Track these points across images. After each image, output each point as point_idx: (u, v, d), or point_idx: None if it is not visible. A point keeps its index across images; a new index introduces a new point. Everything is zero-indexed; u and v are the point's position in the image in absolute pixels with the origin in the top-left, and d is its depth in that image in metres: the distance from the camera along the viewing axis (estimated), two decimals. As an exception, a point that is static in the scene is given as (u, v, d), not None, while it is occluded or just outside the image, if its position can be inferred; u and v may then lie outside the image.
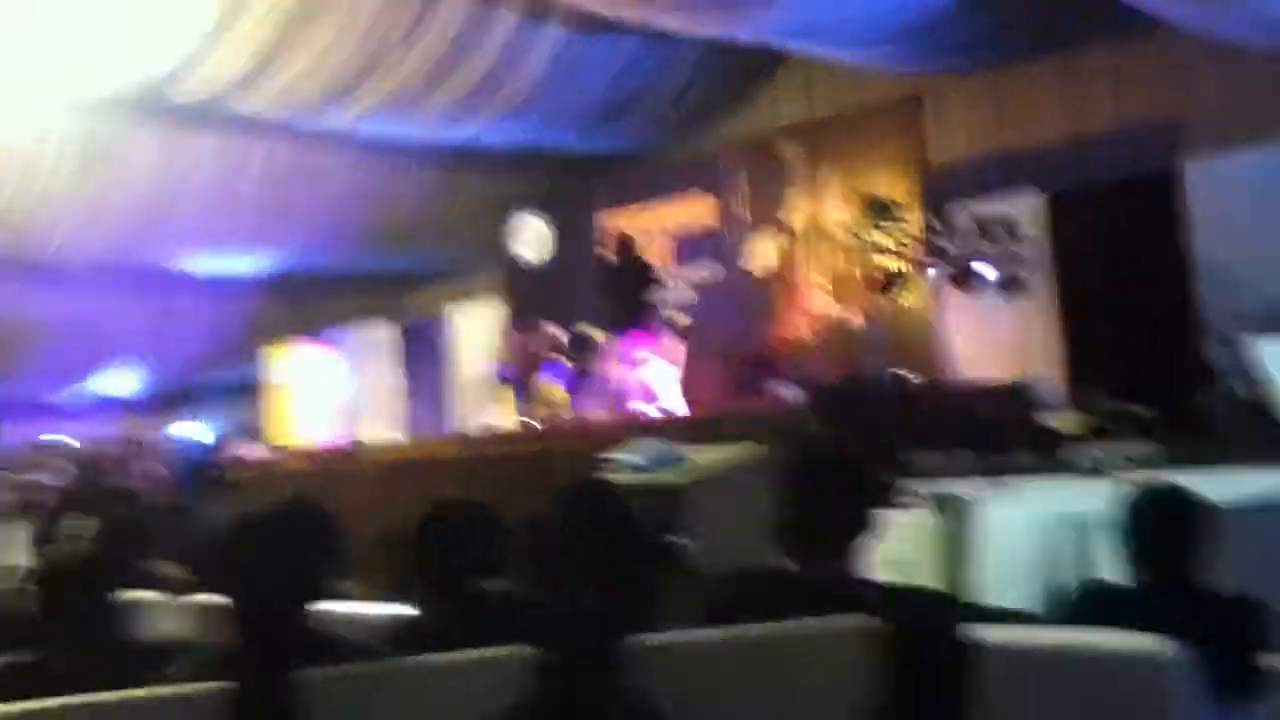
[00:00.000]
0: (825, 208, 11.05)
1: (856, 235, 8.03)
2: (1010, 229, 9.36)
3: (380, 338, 15.08)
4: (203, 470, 12.66)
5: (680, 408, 10.15)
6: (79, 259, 12.76)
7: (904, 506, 5.89)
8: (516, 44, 11.10)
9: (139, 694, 2.19)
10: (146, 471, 13.92)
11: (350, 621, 3.01)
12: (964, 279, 8.89)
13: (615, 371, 9.44)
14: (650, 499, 4.72)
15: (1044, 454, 6.74)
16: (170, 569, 4.49)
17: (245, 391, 16.13)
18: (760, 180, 11.55)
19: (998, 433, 7.63)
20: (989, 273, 9.09)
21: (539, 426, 10.23)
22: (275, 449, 12.52)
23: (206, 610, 3.26)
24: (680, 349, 10.68)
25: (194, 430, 15.27)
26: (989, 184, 11.20)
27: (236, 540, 2.41)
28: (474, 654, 2.26)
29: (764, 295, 11.48)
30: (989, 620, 2.60)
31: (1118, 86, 11.11)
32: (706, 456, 5.24)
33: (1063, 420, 8.62)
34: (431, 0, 10.39)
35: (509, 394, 10.92)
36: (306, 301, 15.56)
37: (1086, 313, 9.89)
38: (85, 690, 2.20)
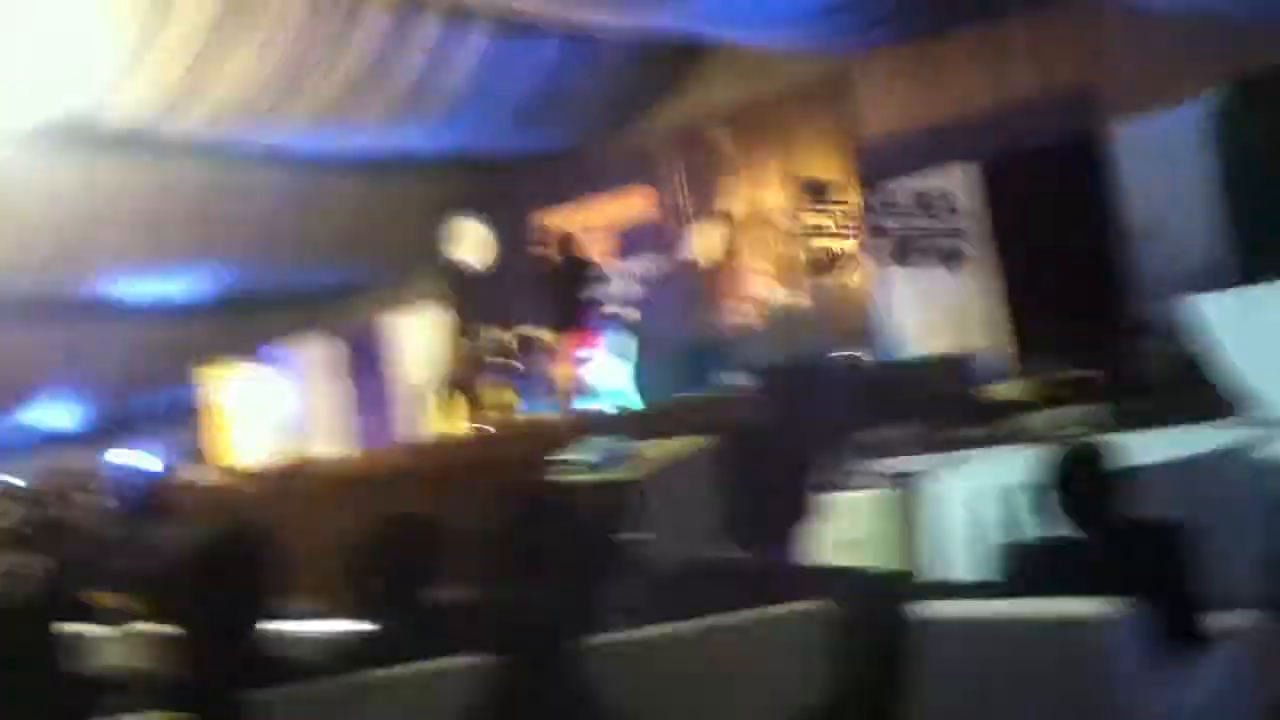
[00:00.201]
0: (762, 192, 11.11)
1: (795, 218, 8.06)
2: (947, 202, 9.45)
3: (320, 352, 14.92)
4: (144, 498, 12.46)
5: (630, 402, 10.16)
6: (3, 291, 12.50)
7: (857, 486, 5.92)
8: (440, 50, 11.02)
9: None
10: (88, 503, 13.66)
11: (302, 640, 2.97)
12: (904, 254, 8.96)
13: (562, 370, 9.41)
14: (602, 496, 4.70)
15: (992, 424, 6.81)
16: (117, 600, 4.40)
17: (185, 415, 15.89)
18: (696, 169, 11.59)
19: (946, 406, 7.71)
20: (925, 246, 9.16)
21: (490, 431, 10.19)
22: (219, 471, 12.35)
23: (155, 640, 3.19)
24: (627, 343, 10.69)
25: (134, 458, 15.01)
26: (922, 158, 11.30)
27: (177, 567, 2.39)
28: (428, 666, 2.23)
29: (707, 284, 11.51)
30: (944, 594, 2.62)
31: (1039, 55, 11.25)
32: (657, 450, 5.23)
33: (1009, 389, 8.73)
34: (353, 12, 10.30)
35: (458, 400, 10.86)
36: (243, 320, 15.34)
37: (1026, 280, 10.01)
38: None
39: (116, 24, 9.34)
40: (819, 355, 7.31)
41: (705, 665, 2.05)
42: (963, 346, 9.91)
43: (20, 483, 13.92)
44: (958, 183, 10.01)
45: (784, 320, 10.81)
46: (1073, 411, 6.11)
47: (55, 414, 15.38)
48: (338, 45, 10.49)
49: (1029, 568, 3.00)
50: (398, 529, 2.84)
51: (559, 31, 11.26)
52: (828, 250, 8.17)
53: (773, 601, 2.04)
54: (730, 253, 11.39)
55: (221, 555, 2.38)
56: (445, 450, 9.74)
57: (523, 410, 10.51)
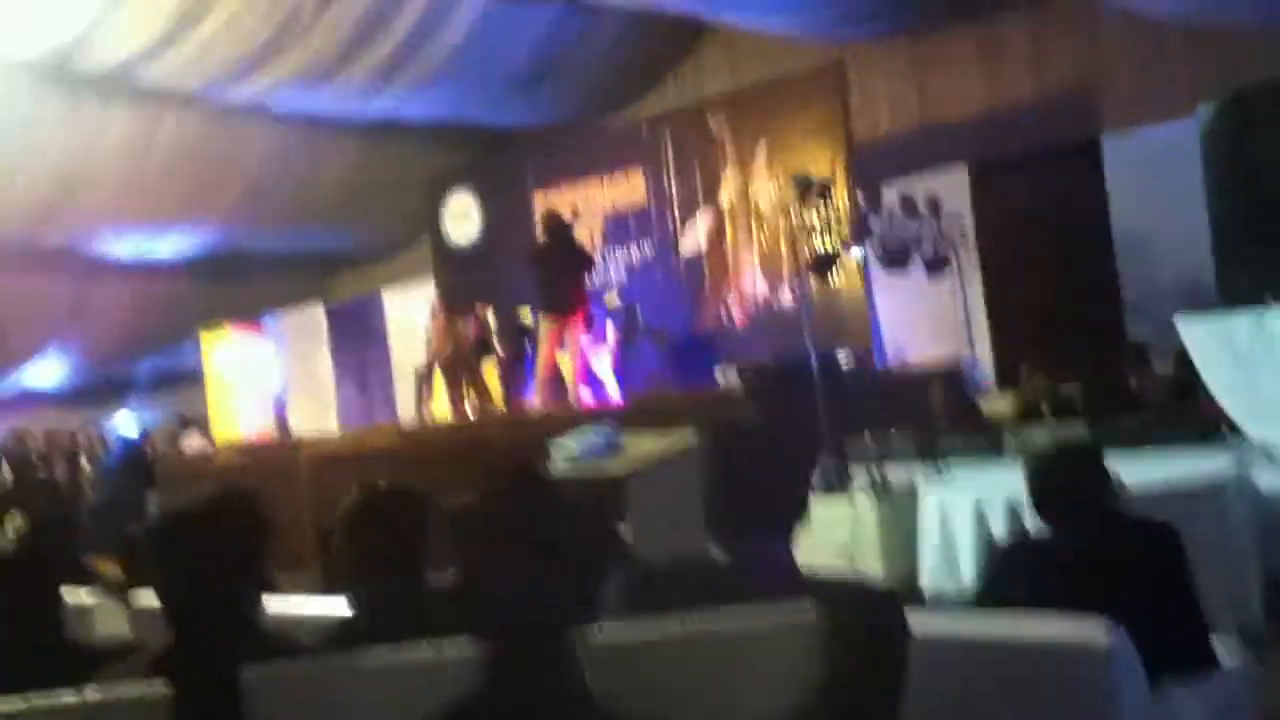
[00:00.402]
0: (753, 184, 11.10)
1: (785, 213, 8.10)
2: (936, 207, 9.49)
3: (309, 321, 14.86)
4: (134, 463, 12.41)
5: (615, 392, 10.18)
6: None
7: (843, 491, 5.97)
8: (435, 11, 10.93)
9: (75, 695, 2.17)
10: (76, 465, 13.64)
11: (292, 618, 2.99)
12: (891, 259, 9.00)
13: (548, 355, 9.42)
14: (586, 488, 4.74)
15: (976, 436, 6.84)
16: (104, 565, 4.42)
17: (175, 379, 15.83)
18: (687, 155, 11.55)
19: (931, 415, 7.75)
20: (915, 251, 9.20)
21: (473, 414, 10.20)
22: (207, 438, 12.32)
23: (145, 608, 3.22)
24: (612, 330, 10.70)
25: (124, 421, 14.95)
26: (913, 159, 11.32)
27: (164, 532, 2.36)
28: (417, 649, 2.26)
29: (696, 275, 11.52)
30: (928, 604, 2.66)
31: (1036, 56, 11.27)
32: (642, 444, 5.26)
33: (995, 402, 8.78)
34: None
35: (442, 381, 10.84)
36: (232, 284, 15.27)
37: (1011, 289, 10.04)
38: (18, 691, 2.17)
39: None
40: (807, 355, 7.34)
41: (686, 662, 2.08)
42: (948, 354, 9.96)
43: (2, 438, 13.87)
44: (947, 186, 10.03)
45: (769, 316, 10.85)
46: (1055, 427, 6.15)
47: (44, 373, 15.30)
48: (329, -1, 10.40)
49: (1016, 569, 3.04)
50: (380, 501, 2.81)
51: (557, 4, 11.20)
52: (816, 248, 8.20)
53: (755, 601, 2.07)
54: (719, 244, 11.39)
55: (209, 520, 2.35)
56: (428, 432, 9.75)
57: (507, 394, 10.52)
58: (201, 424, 13.83)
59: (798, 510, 2.27)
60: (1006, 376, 9.63)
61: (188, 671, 2.20)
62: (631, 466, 4.94)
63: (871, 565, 5.47)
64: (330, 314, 14.84)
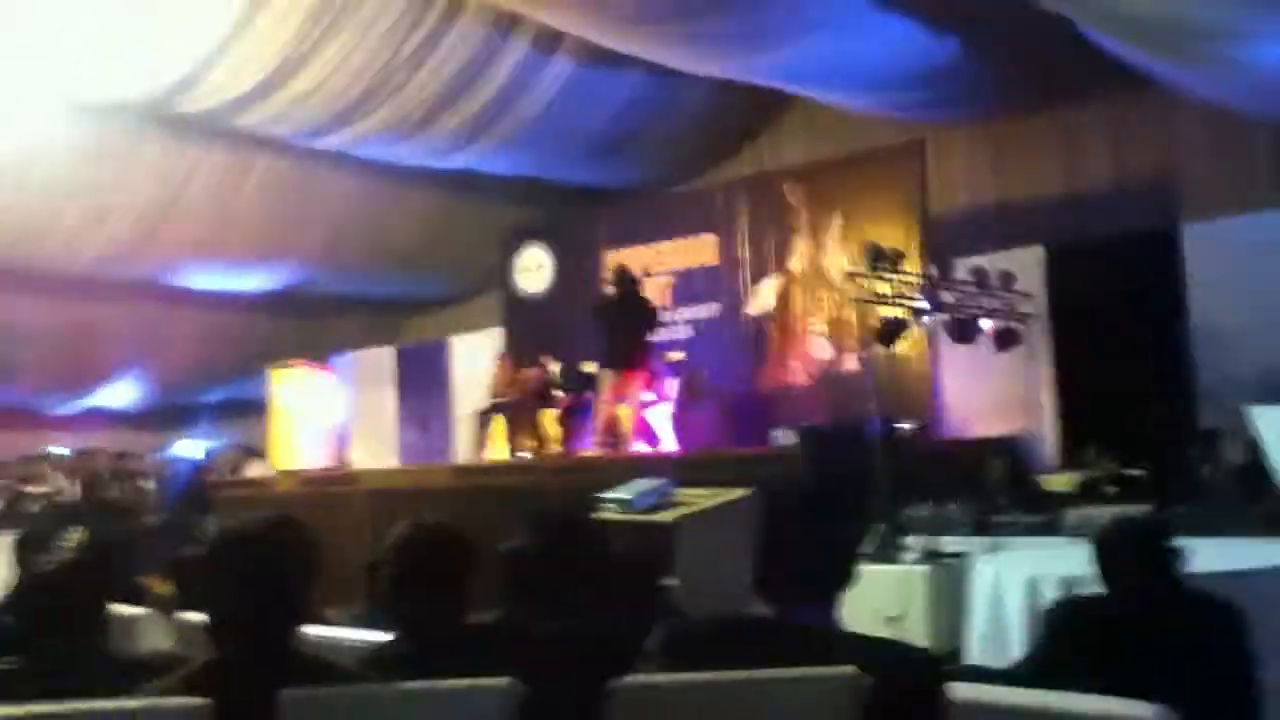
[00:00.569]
0: (824, 251, 11.12)
1: (855, 281, 8.08)
2: (1008, 282, 9.41)
3: (377, 362, 15.08)
4: (194, 487, 12.63)
5: (673, 446, 10.17)
6: (77, 266, 12.79)
7: (897, 560, 5.90)
8: (523, 73, 11.19)
9: (118, 705, 2.20)
10: (138, 486, 13.91)
11: (335, 645, 3.02)
12: (961, 330, 8.92)
13: (609, 408, 9.45)
14: (637, 538, 4.73)
15: (1035, 513, 6.74)
16: (158, 584, 4.50)
17: (242, 409, 16.12)
18: (761, 221, 11.63)
19: (990, 489, 7.65)
20: (986, 325, 9.12)
21: (532, 460, 10.24)
22: (271, 469, 12.49)
23: (193, 627, 3.26)
24: (675, 387, 10.71)
25: (189, 447, 15.24)
26: (988, 236, 11.29)
27: (216, 555, 2.40)
28: (457, 683, 2.27)
29: (760, 337, 11.52)
30: (973, 679, 2.61)
31: (1115, 143, 11.24)
32: (696, 498, 5.24)
33: (1055, 479, 8.63)
34: (442, 25, 10.49)
35: (505, 426, 10.92)
36: (306, 322, 15.60)
37: (1081, 369, 9.92)
38: (63, 699, 2.21)
39: (210, 8, 9.57)
40: (867, 421, 7.29)
41: (727, 716, 2.06)
42: (1013, 430, 9.83)
43: (70, 455, 14.20)
44: (1021, 265, 9.97)
45: (833, 381, 10.79)
46: (1118, 511, 6.02)
47: (116, 395, 15.69)
48: (423, 56, 10.70)
49: (1078, 630, 3.02)
50: (428, 534, 2.82)
51: (641, 69, 11.41)
52: (886, 318, 8.16)
53: (797, 662, 2.05)
54: (786, 308, 11.39)
55: (260, 547, 2.39)
56: (484, 473, 9.81)
57: (566, 443, 10.56)
58: (264, 455, 14.03)
59: (845, 575, 2.26)
60: (1069, 455, 9.48)
61: (227, 689, 2.22)
62: (683, 518, 4.92)
63: (919, 634, 5.38)
64: (399, 356, 15.04)
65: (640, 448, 9.71)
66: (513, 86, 11.29)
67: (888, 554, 5.93)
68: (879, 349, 8.49)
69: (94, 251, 12.64)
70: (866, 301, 8.08)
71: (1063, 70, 10.50)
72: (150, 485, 14.12)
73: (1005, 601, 4.86)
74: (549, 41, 10.95)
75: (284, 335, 15.36)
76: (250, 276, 14.35)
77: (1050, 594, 4.58)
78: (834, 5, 8.83)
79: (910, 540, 6.09)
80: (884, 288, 8.18)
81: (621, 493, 5.27)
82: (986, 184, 12.08)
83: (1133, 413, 9.12)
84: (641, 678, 2.13)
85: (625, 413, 9.52)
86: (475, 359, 13.23)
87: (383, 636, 2.83)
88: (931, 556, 5.86)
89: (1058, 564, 4.91)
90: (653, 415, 10.30)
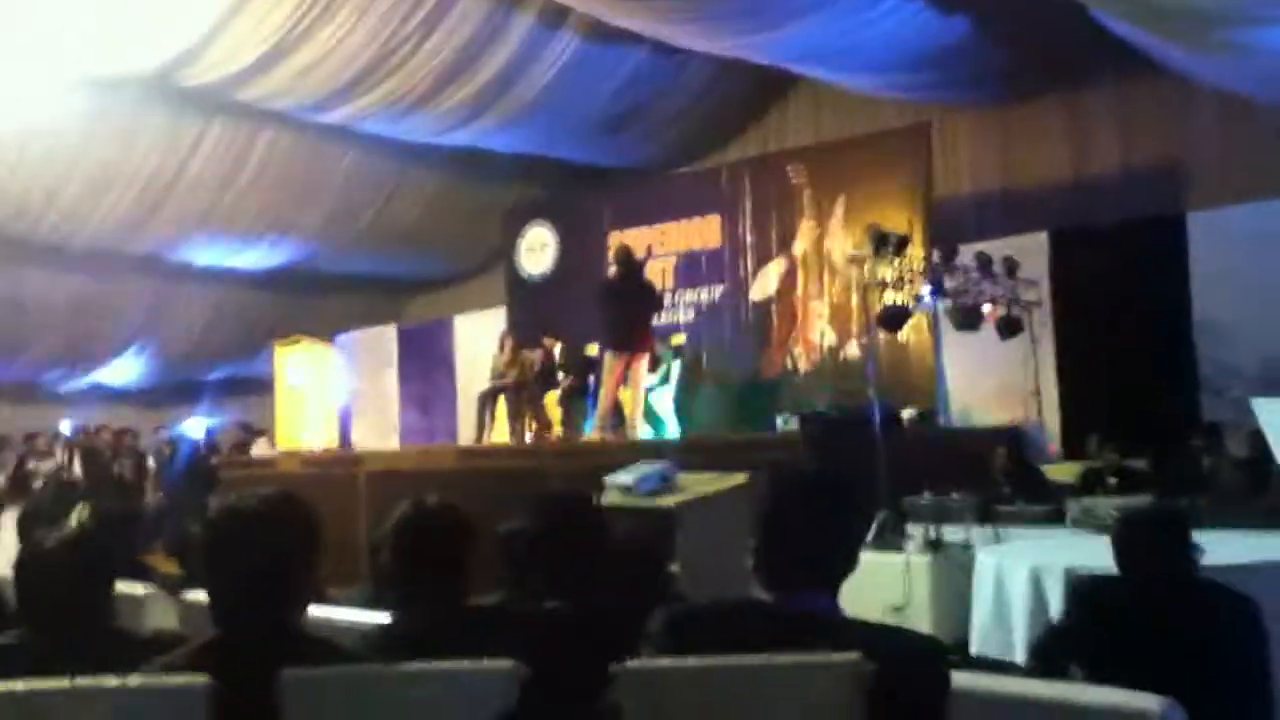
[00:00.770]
0: (829, 234, 11.09)
1: (858, 265, 8.06)
2: (1012, 269, 9.38)
3: (379, 341, 15.09)
4: (198, 465, 12.64)
5: (674, 430, 10.17)
6: (79, 241, 12.77)
7: (897, 549, 5.90)
8: (527, 50, 11.14)
9: (119, 681, 2.20)
10: (142, 463, 13.92)
11: (337, 625, 3.02)
12: (964, 317, 8.90)
13: (612, 391, 9.44)
14: (639, 522, 4.73)
15: (1038, 503, 6.74)
16: (162, 561, 4.50)
17: (246, 386, 16.13)
18: (765, 203, 11.60)
19: (992, 478, 7.64)
20: (989, 312, 9.09)
21: (533, 442, 10.24)
22: (275, 448, 12.51)
23: (198, 606, 3.26)
24: (677, 369, 10.70)
25: (193, 424, 15.25)
26: (992, 220, 11.26)
27: (216, 532, 2.40)
28: (458, 664, 2.27)
29: (763, 320, 11.50)
30: (976, 668, 2.62)
31: (1123, 129, 11.18)
32: (698, 483, 5.24)
33: (1058, 469, 8.62)
34: (445, 2, 10.44)
35: (505, 408, 10.91)
36: (308, 300, 15.58)
37: (1085, 358, 9.91)
38: (67, 675, 2.21)
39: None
40: (870, 408, 7.28)
41: (724, 703, 2.06)
42: (1013, 417, 9.82)
43: (73, 431, 14.21)
44: (1026, 251, 9.94)
45: (835, 366, 10.78)
46: (1119, 501, 6.02)
47: (120, 371, 15.69)
48: (425, 32, 10.65)
49: (1094, 613, 3.05)
50: (428, 514, 2.82)
51: (646, 47, 11.36)
52: (889, 304, 8.13)
53: (797, 649, 2.05)
54: (789, 291, 11.37)
55: (263, 524, 2.38)
56: (486, 455, 9.81)
57: (567, 425, 10.56)
58: (268, 433, 14.04)
59: (847, 562, 2.25)
60: (1072, 445, 9.48)
61: (229, 668, 2.22)
62: (684, 503, 4.92)
63: (922, 623, 5.38)
64: (401, 335, 15.04)
65: (643, 431, 9.71)
66: (516, 63, 11.24)
67: (890, 543, 5.93)
68: (882, 334, 8.47)
69: (96, 226, 12.62)
70: (870, 286, 8.06)
71: (1071, 54, 10.45)
72: (154, 462, 14.13)
73: (1007, 591, 4.86)
74: (553, 17, 10.90)
75: (286, 313, 15.35)
76: (253, 253, 14.34)
77: (1053, 584, 4.58)
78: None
79: (912, 529, 6.09)
80: (887, 273, 8.16)
81: (624, 477, 5.27)
82: (992, 168, 12.04)
83: (1136, 403, 9.12)
84: (643, 662, 2.13)
85: (628, 396, 9.51)
86: (478, 338, 13.23)
87: (384, 617, 2.83)
88: (934, 546, 5.87)
89: (1060, 554, 4.92)
90: (655, 398, 10.29)
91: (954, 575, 5.57)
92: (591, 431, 9.74)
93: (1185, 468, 7.33)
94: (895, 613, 5.38)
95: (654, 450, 7.47)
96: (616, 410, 9.55)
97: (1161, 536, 3.14)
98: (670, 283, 11.95)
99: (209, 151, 12.33)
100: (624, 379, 9.44)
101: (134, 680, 2.22)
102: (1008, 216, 11.39)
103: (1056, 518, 6.26)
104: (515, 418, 10.71)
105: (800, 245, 11.34)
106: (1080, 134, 11.50)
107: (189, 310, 15.09)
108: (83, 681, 2.19)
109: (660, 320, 10.73)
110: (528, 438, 10.48)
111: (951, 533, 6.08)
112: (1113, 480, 7.52)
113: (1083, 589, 3.34)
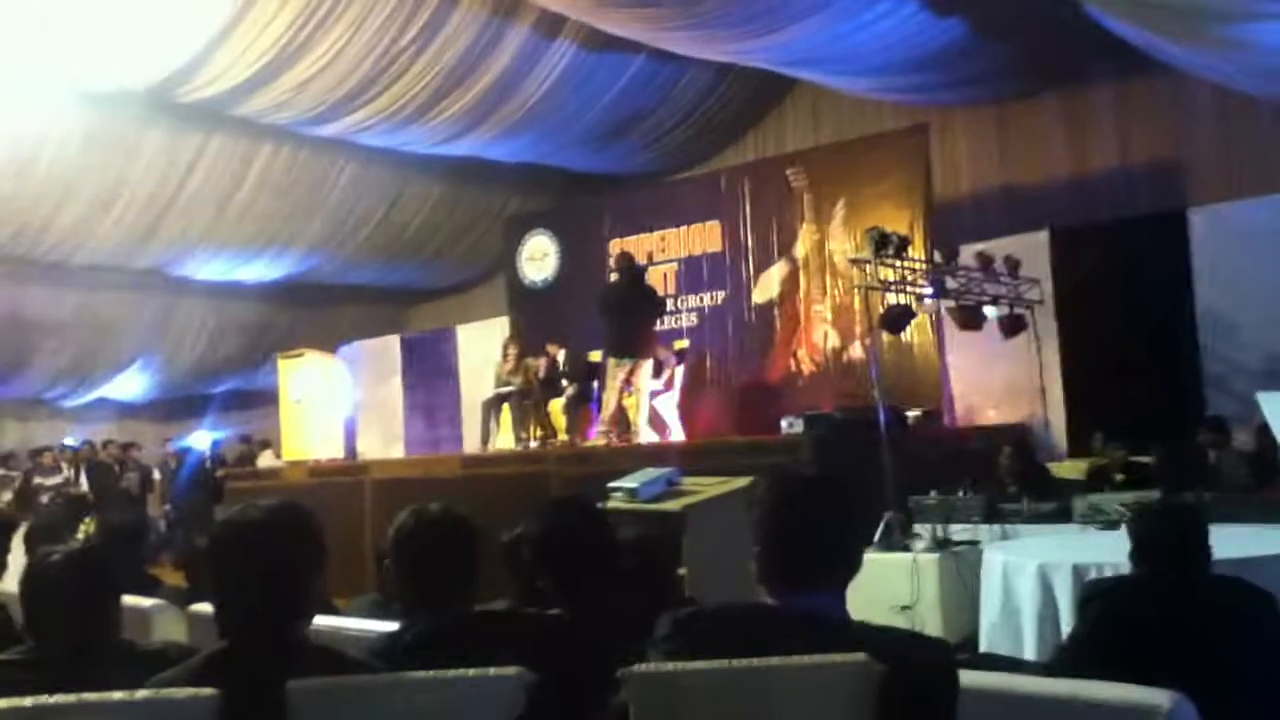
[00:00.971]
0: (830, 237, 11.08)
1: (860, 267, 8.05)
2: (1014, 268, 9.37)
3: (383, 351, 15.09)
4: (204, 477, 12.66)
5: (678, 434, 10.16)
6: (82, 257, 12.80)
7: (905, 549, 5.88)
8: (524, 59, 11.17)
9: (126, 695, 2.20)
10: (149, 477, 13.95)
11: (343, 635, 3.02)
12: (967, 317, 8.89)
13: (616, 397, 9.44)
14: (644, 526, 4.72)
15: (1044, 500, 6.72)
16: (169, 573, 4.51)
17: (251, 399, 16.15)
18: (765, 207, 11.59)
19: (998, 476, 7.63)
20: (992, 312, 9.09)
21: (538, 448, 10.24)
22: (281, 460, 12.51)
23: (205, 618, 3.27)
24: (680, 374, 10.69)
25: (198, 437, 15.28)
26: (993, 220, 11.25)
27: (220, 544, 2.40)
28: (465, 672, 2.26)
29: (766, 324, 11.50)
30: (985, 666, 2.61)
31: (1122, 126, 11.18)
32: (703, 487, 5.24)
33: (1064, 466, 8.61)
34: (442, 11, 10.47)
35: (510, 415, 10.92)
36: (311, 311, 15.62)
37: (1089, 355, 9.89)
38: (75, 689, 2.21)
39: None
40: (874, 409, 7.27)
41: (732, 706, 2.05)
42: (1021, 417, 9.80)
43: (79, 445, 14.23)
44: (1027, 250, 9.93)
45: (838, 367, 10.77)
46: (1125, 497, 6.01)
47: (125, 385, 15.72)
48: (425, 42, 10.68)
49: (1112, 606, 3.04)
50: (431, 522, 2.81)
51: (643, 55, 11.38)
52: (892, 305, 8.12)
53: (805, 651, 2.04)
54: (791, 294, 11.36)
55: (266, 534, 2.38)
56: (491, 462, 9.81)
57: (572, 432, 10.55)
58: (272, 445, 14.05)
59: (850, 563, 2.24)
60: (1078, 442, 9.46)
61: (236, 679, 2.22)
62: (689, 507, 4.92)
63: (930, 622, 5.37)
64: (405, 345, 15.05)
65: (647, 436, 9.70)
66: (513, 73, 11.27)
67: (897, 543, 5.92)
68: (885, 336, 8.46)
69: (98, 243, 12.66)
70: (872, 288, 8.05)
71: (1069, 53, 10.45)
72: (160, 475, 14.16)
73: (1016, 589, 4.85)
74: (549, 27, 10.93)
75: (290, 325, 15.39)
76: (255, 266, 14.37)
77: (1061, 581, 4.57)
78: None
79: (920, 528, 6.08)
80: (889, 274, 8.15)
81: (628, 482, 5.27)
82: (992, 168, 12.04)
83: (1141, 399, 9.10)
84: (650, 665, 2.12)
85: (632, 401, 9.51)
86: (481, 347, 13.23)
87: (391, 626, 2.83)
88: (941, 545, 5.86)
89: (1068, 551, 4.91)
90: (659, 403, 10.29)
91: (962, 574, 5.55)
92: (596, 438, 9.74)
93: (1191, 462, 7.31)
94: (904, 612, 5.36)
95: (658, 455, 7.47)
96: (621, 416, 9.55)
97: (1178, 532, 3.13)
98: (672, 288, 11.95)
99: (209, 166, 12.37)
100: (628, 385, 9.44)
101: (141, 693, 2.22)
102: (1008, 216, 11.39)
103: (1063, 515, 6.24)
104: (519, 425, 10.71)
105: (801, 248, 11.33)
106: (1079, 132, 11.50)
107: (192, 324, 15.12)
108: (91, 697, 2.19)
109: (663, 325, 10.74)
110: (532, 445, 10.48)
111: (959, 531, 6.07)
112: (1119, 476, 7.51)
113: (1096, 592, 3.31)
